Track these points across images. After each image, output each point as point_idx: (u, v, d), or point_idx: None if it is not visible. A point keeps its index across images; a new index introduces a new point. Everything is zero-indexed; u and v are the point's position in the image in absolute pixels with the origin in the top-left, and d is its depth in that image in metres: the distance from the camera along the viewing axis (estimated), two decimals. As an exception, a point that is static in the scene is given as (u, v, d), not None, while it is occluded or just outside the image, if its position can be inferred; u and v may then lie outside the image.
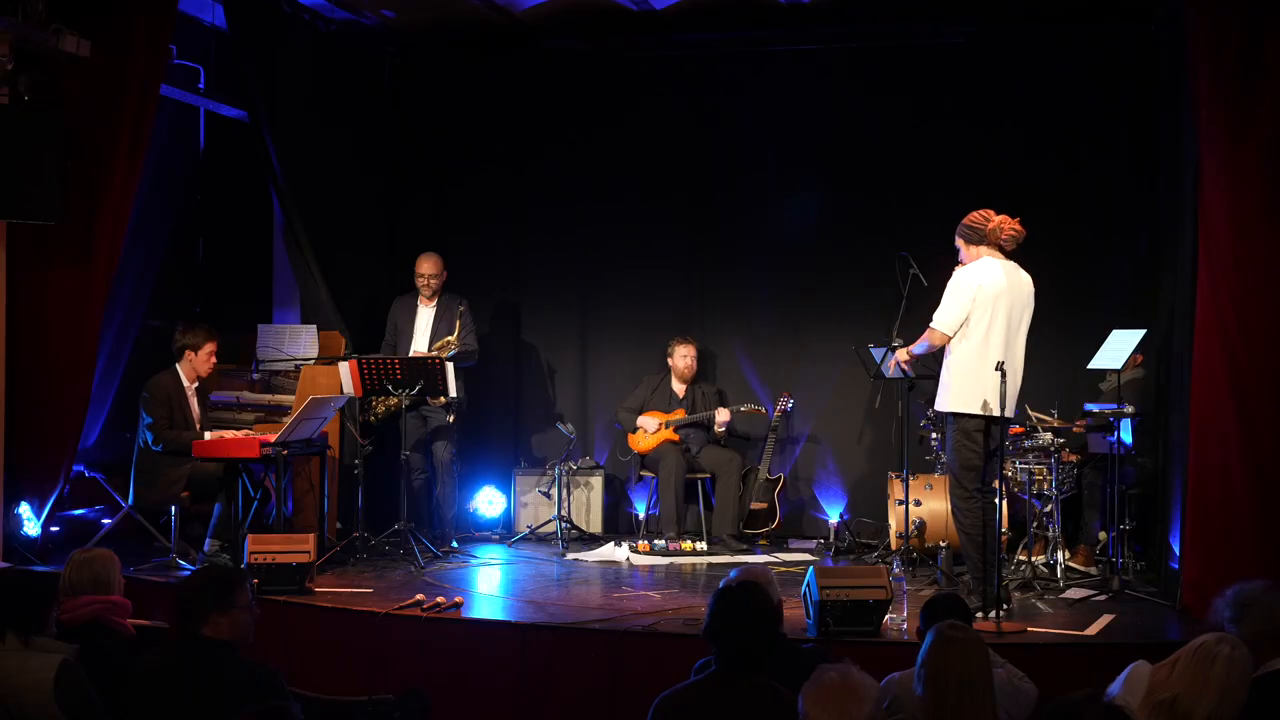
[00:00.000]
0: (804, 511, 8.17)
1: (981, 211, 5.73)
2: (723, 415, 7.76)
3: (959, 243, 5.77)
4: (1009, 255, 5.72)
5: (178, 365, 6.70)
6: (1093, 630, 5.36)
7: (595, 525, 8.12)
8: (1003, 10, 7.72)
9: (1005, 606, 5.56)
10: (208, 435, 6.55)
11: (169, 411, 6.56)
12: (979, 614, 5.32)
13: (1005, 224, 5.66)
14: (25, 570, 5.68)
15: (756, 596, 3.44)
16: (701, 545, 7.43)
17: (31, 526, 6.47)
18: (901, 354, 5.98)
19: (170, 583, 5.94)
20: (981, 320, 5.55)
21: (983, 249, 5.69)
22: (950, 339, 5.64)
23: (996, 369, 5.41)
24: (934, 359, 5.99)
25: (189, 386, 6.72)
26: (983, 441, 5.60)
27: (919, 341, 5.83)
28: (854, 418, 8.09)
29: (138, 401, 6.63)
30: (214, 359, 6.78)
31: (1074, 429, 6.91)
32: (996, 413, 5.52)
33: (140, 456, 6.57)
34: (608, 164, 8.49)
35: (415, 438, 7.38)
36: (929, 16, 7.83)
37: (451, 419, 7.39)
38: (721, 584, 3.87)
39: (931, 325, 5.69)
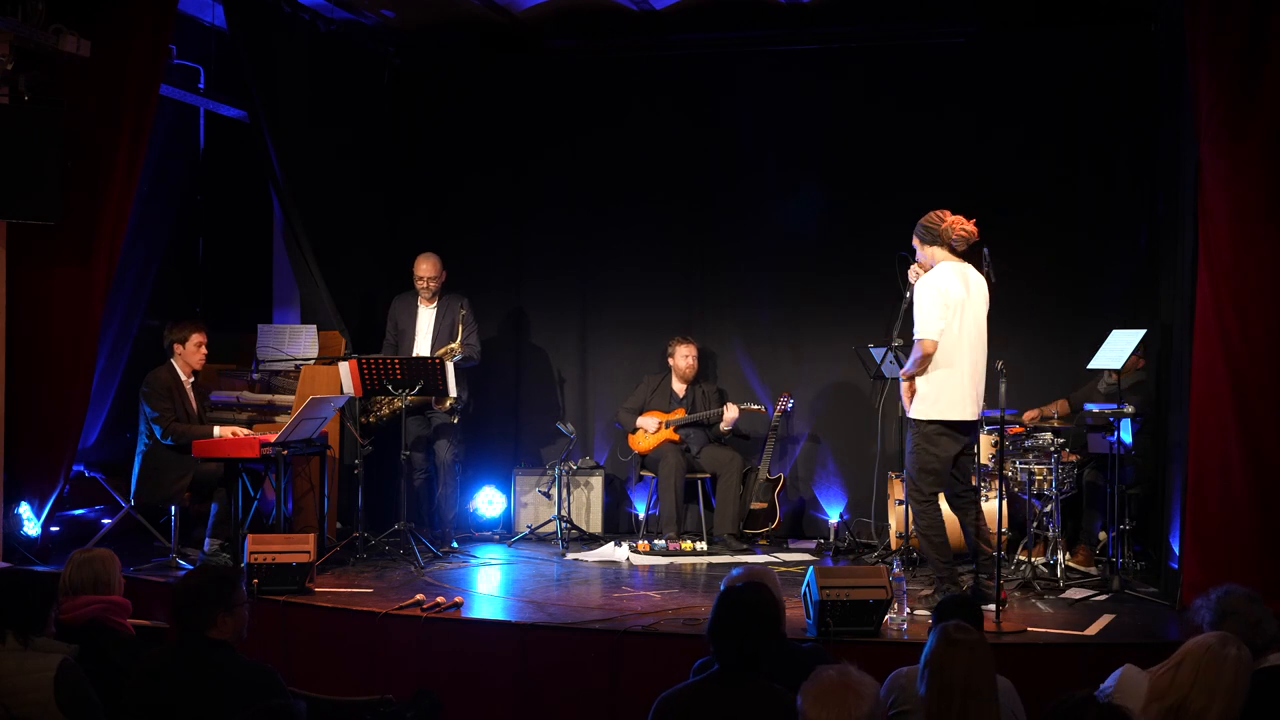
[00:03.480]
0: (804, 511, 8.17)
1: (937, 211, 5.81)
2: (731, 413, 7.74)
3: (915, 242, 5.85)
4: (964, 256, 5.77)
5: (172, 361, 6.71)
6: (1093, 630, 5.36)
7: (595, 525, 8.12)
8: (1002, 11, 7.72)
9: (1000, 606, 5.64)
10: (217, 431, 6.55)
11: (172, 404, 6.56)
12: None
13: (956, 225, 5.70)
14: (25, 570, 5.67)
15: (761, 597, 3.44)
16: (701, 545, 7.43)
17: (31, 526, 6.48)
18: (906, 386, 5.86)
19: (170, 583, 5.94)
20: (947, 329, 5.63)
21: (937, 250, 5.77)
22: (938, 344, 5.67)
23: (999, 369, 5.45)
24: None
25: (186, 381, 6.72)
26: (945, 446, 5.69)
27: (910, 361, 5.81)
28: (854, 418, 8.08)
29: (138, 398, 6.62)
30: (204, 349, 6.74)
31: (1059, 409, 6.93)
32: (961, 417, 5.66)
33: (145, 455, 6.56)
34: (608, 164, 8.48)
35: (417, 436, 7.38)
36: (929, 17, 7.83)
37: (455, 420, 7.39)
38: (724, 583, 3.89)
39: (918, 338, 5.72)
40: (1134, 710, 3.20)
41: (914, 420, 5.78)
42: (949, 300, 5.63)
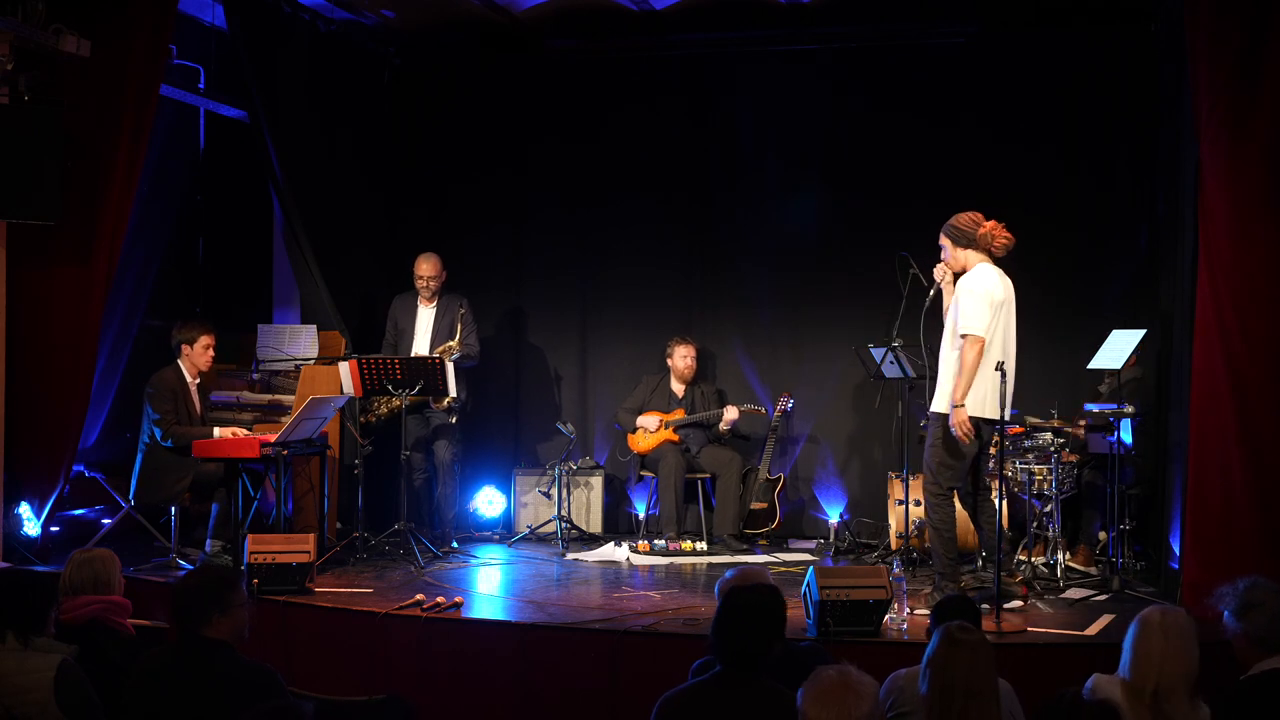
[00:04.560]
0: (804, 511, 8.17)
1: (971, 214, 5.75)
2: (730, 413, 7.74)
3: (944, 242, 5.82)
4: (997, 262, 5.74)
5: (179, 361, 6.71)
6: (1093, 630, 5.36)
7: (595, 525, 8.12)
8: (1002, 11, 7.72)
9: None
10: (217, 432, 6.55)
11: (175, 406, 6.57)
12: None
13: (997, 231, 5.68)
14: (25, 570, 5.67)
15: (773, 599, 3.45)
16: (701, 545, 7.43)
17: (31, 526, 6.47)
18: (958, 402, 5.60)
19: (170, 583, 5.94)
20: (993, 327, 5.60)
21: (971, 253, 5.73)
22: (985, 340, 5.59)
23: (997, 369, 5.46)
24: (932, 360, 5.99)
25: (191, 382, 6.73)
26: (968, 443, 5.65)
27: (965, 369, 5.57)
28: (854, 418, 8.09)
29: (141, 398, 6.62)
30: (211, 351, 6.77)
31: (1074, 430, 6.90)
32: (990, 415, 5.58)
33: (147, 454, 6.56)
34: (608, 164, 8.49)
35: (416, 437, 7.38)
36: (929, 17, 7.83)
37: (453, 419, 7.39)
38: (721, 583, 3.89)
39: (967, 333, 5.57)
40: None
41: (938, 414, 5.73)
42: (994, 299, 5.59)
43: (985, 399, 5.60)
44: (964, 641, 3.05)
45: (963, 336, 5.61)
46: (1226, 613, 3.60)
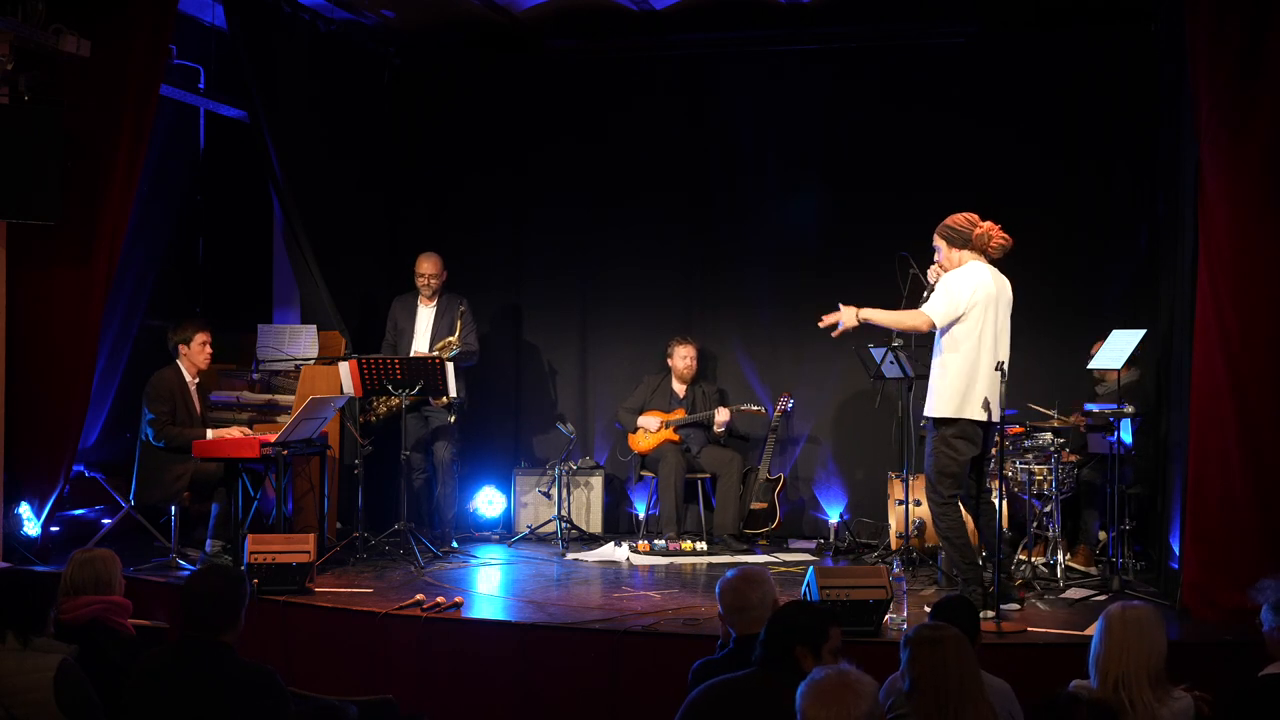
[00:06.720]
0: (804, 511, 8.17)
1: (966, 215, 5.73)
2: (722, 415, 7.76)
3: (938, 242, 5.78)
4: (993, 263, 5.73)
5: (178, 362, 6.71)
6: (1092, 630, 5.34)
7: (595, 525, 8.13)
8: (1002, 11, 7.72)
9: (1018, 605, 5.64)
10: (210, 434, 6.55)
11: (172, 407, 6.57)
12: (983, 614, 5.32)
13: (994, 232, 5.66)
14: (25, 570, 5.67)
15: (819, 614, 3.53)
16: (701, 545, 7.43)
17: (31, 526, 6.48)
18: (858, 312, 5.77)
19: (170, 583, 5.95)
20: (976, 327, 5.57)
21: (966, 253, 5.70)
22: (933, 330, 5.64)
23: (996, 369, 5.45)
24: (925, 362, 5.99)
25: (191, 382, 6.73)
26: (962, 449, 5.61)
27: (897, 314, 5.76)
28: (854, 418, 8.09)
29: (140, 398, 6.62)
30: (209, 348, 6.77)
31: (1072, 420, 6.89)
32: (982, 418, 5.56)
33: (144, 454, 6.56)
34: (608, 164, 8.49)
35: (416, 437, 7.39)
36: (929, 17, 7.84)
37: (452, 419, 7.39)
38: (721, 583, 3.88)
39: (923, 309, 5.66)
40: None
41: (932, 421, 5.71)
42: (976, 299, 5.56)
43: (977, 401, 5.58)
44: (928, 639, 3.09)
45: (922, 310, 5.65)
46: (1266, 607, 3.61)
